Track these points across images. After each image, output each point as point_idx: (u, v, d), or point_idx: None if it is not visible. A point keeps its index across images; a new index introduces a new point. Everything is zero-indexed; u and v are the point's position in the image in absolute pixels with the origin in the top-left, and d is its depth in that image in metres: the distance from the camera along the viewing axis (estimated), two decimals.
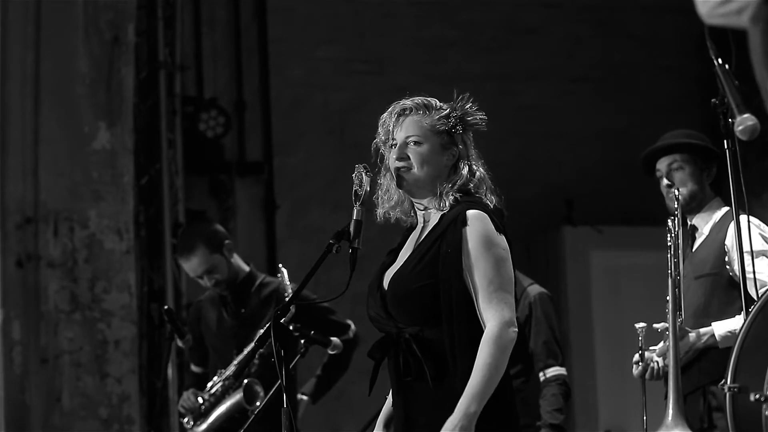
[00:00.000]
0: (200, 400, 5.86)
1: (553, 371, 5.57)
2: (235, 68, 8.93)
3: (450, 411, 3.67)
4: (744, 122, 3.41)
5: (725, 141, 3.98)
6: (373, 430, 4.02)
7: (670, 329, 4.66)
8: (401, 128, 3.88)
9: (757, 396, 3.44)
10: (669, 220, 4.89)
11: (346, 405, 7.98)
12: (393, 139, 3.89)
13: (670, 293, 4.73)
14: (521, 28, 9.43)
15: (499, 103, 8.63)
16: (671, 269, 4.78)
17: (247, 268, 6.01)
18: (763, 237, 4.83)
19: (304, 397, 6.07)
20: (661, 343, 4.79)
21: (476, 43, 9.32)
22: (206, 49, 8.86)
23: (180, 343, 5.79)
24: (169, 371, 7.85)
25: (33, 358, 7.48)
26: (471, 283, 3.72)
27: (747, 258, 4.18)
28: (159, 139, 8.30)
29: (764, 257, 4.74)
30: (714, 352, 4.73)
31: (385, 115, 3.93)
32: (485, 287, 3.71)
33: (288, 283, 5.48)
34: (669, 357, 4.62)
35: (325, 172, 8.78)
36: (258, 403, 5.58)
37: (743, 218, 4.42)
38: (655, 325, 4.80)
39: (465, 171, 3.85)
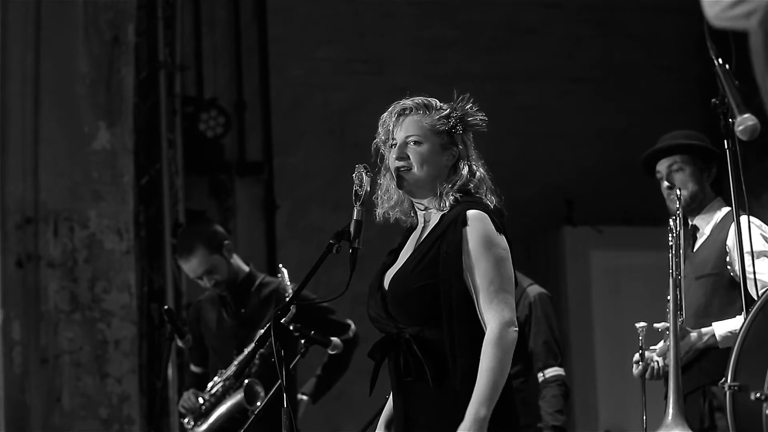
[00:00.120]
0: (201, 400, 5.86)
1: (553, 372, 5.57)
2: (235, 68, 8.93)
3: (450, 411, 3.67)
4: (744, 122, 3.41)
5: (725, 141, 3.98)
6: (374, 430, 4.02)
7: (671, 329, 4.66)
8: (401, 128, 3.88)
9: (758, 395, 3.44)
10: (670, 220, 4.89)
11: (346, 405, 7.98)
12: (393, 139, 3.89)
13: (671, 293, 4.73)
14: (521, 28, 9.43)
15: (499, 103, 8.63)
16: (672, 269, 4.78)
17: (246, 269, 6.01)
18: (764, 237, 4.83)
19: (304, 397, 6.07)
20: (662, 343, 4.79)
21: (476, 43, 9.32)
22: (206, 49, 8.86)
23: (180, 343, 5.79)
24: (169, 371, 7.85)
25: (33, 358, 7.48)
26: (471, 283, 3.72)
27: (747, 258, 4.18)
28: (159, 139, 8.30)
29: (765, 257, 4.74)
30: (714, 352, 4.73)
31: (385, 115, 3.93)
32: (486, 287, 3.71)
33: (288, 283, 5.48)
34: (669, 357, 4.62)
35: (325, 172, 8.78)
36: (258, 403, 5.58)
37: (744, 219, 4.42)
38: (656, 325, 4.80)
39: (465, 171, 3.85)
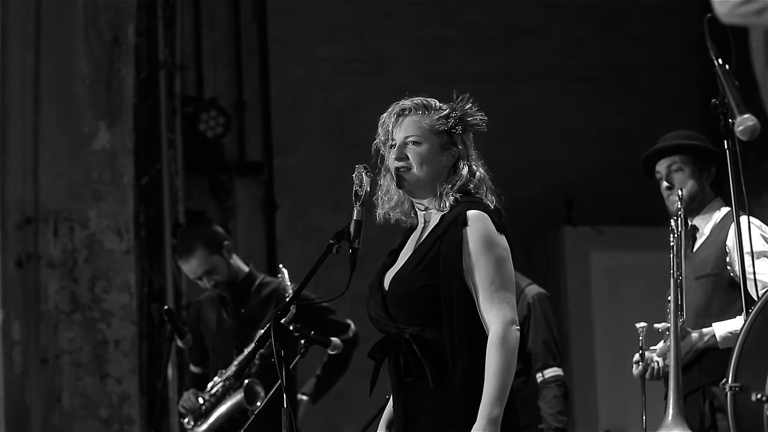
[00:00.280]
0: (201, 400, 5.86)
1: (552, 372, 5.57)
2: (235, 68, 8.93)
3: (450, 411, 3.68)
4: (744, 122, 3.41)
5: (725, 141, 3.97)
6: (375, 430, 4.02)
7: (672, 329, 4.66)
8: (400, 128, 3.88)
9: (759, 396, 3.44)
10: (672, 221, 4.89)
11: (347, 405, 7.98)
12: (392, 139, 3.89)
13: (671, 294, 4.72)
14: (521, 28, 9.43)
15: (499, 103, 8.63)
16: (673, 270, 4.78)
17: (246, 269, 6.01)
18: (764, 237, 4.82)
19: (304, 397, 6.07)
20: (662, 343, 4.79)
21: (476, 43, 9.32)
22: (206, 49, 8.86)
23: (180, 344, 5.79)
24: (169, 371, 7.85)
25: (33, 358, 7.48)
26: (472, 283, 3.72)
27: (747, 259, 4.18)
28: (159, 139, 8.30)
29: (765, 258, 4.74)
30: (714, 353, 4.73)
31: (384, 115, 3.93)
32: (487, 287, 3.71)
33: (288, 283, 5.48)
34: (670, 357, 4.62)
35: (325, 172, 8.78)
36: (258, 404, 5.58)
37: (744, 219, 4.42)
38: (656, 325, 4.80)
39: (465, 171, 3.85)
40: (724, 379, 3.66)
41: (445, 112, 3.88)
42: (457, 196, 3.82)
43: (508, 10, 9.40)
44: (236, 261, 5.98)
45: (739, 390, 3.61)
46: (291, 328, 5.21)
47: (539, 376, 5.57)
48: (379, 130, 3.93)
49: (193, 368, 6.18)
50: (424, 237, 3.85)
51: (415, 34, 9.24)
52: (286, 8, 9.05)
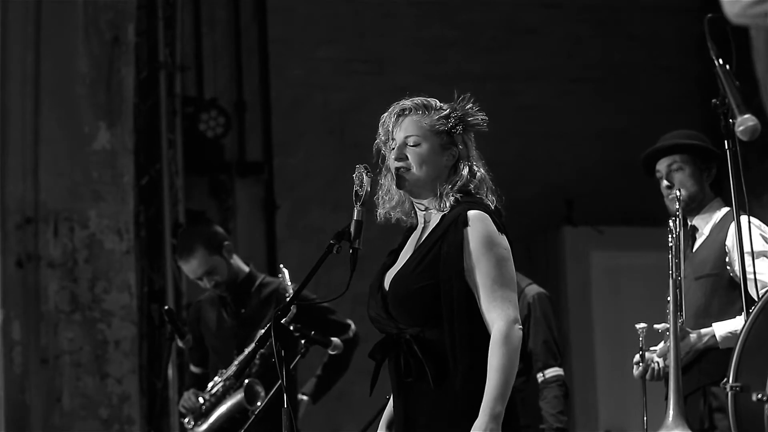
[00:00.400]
0: (201, 400, 5.86)
1: (552, 372, 5.57)
2: (235, 68, 8.93)
3: (450, 412, 3.68)
4: (745, 123, 3.41)
5: (726, 141, 3.97)
6: (375, 430, 4.02)
7: (671, 330, 4.66)
8: (400, 128, 3.88)
9: (760, 396, 3.44)
10: (670, 221, 4.89)
11: (347, 405, 7.98)
12: (392, 139, 3.89)
13: (671, 294, 4.72)
14: (521, 28, 9.43)
15: (499, 103, 8.62)
16: (672, 270, 4.78)
17: (246, 269, 6.01)
18: (764, 237, 4.82)
19: (305, 398, 6.06)
20: (662, 344, 4.78)
21: (476, 43, 9.32)
22: (206, 49, 8.86)
23: (180, 344, 5.79)
24: (170, 371, 7.84)
25: (33, 358, 7.48)
26: (473, 283, 3.72)
27: (747, 258, 4.18)
28: (159, 140, 8.30)
29: (765, 258, 4.74)
30: (714, 353, 4.73)
31: (385, 115, 3.93)
32: (488, 287, 3.70)
33: (289, 283, 5.47)
34: (669, 358, 4.61)
35: (325, 172, 8.78)
36: (258, 403, 5.58)
37: (744, 219, 4.42)
38: (656, 326, 4.80)
39: (465, 172, 3.85)
40: (725, 379, 3.66)
41: (445, 112, 3.87)
42: (458, 196, 3.82)
43: (508, 10, 9.40)
44: (236, 261, 5.98)
45: (740, 390, 3.61)
46: (291, 328, 5.21)
47: (540, 376, 5.57)
48: (380, 130, 3.93)
49: (193, 368, 6.18)
50: (424, 237, 3.85)
51: (415, 34, 9.25)
52: (286, 8, 9.06)
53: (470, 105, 3.89)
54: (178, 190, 8.36)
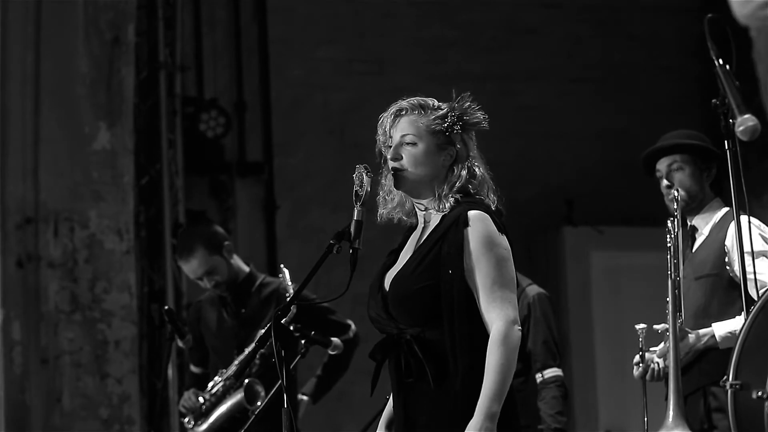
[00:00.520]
0: (201, 399, 5.87)
1: (551, 372, 5.57)
2: (235, 68, 8.93)
3: (450, 412, 3.68)
4: (745, 123, 3.42)
5: (726, 141, 3.97)
6: (375, 430, 4.02)
7: (671, 330, 4.66)
8: (397, 128, 3.88)
9: (760, 393, 3.44)
10: (669, 221, 4.89)
11: (347, 405, 7.98)
12: (390, 139, 3.89)
13: (670, 294, 4.72)
14: (521, 28, 9.43)
15: (499, 103, 8.62)
16: (671, 270, 4.78)
17: (247, 269, 6.01)
18: (764, 237, 4.82)
19: (305, 398, 6.06)
20: (662, 344, 4.78)
21: (476, 43, 9.32)
22: (206, 49, 8.86)
23: (180, 344, 5.79)
24: (170, 371, 7.85)
25: (33, 358, 7.48)
26: (473, 283, 3.72)
27: (747, 258, 4.18)
28: (159, 140, 8.30)
29: (764, 258, 4.74)
30: (714, 353, 4.73)
31: (383, 115, 3.93)
32: (488, 287, 3.70)
33: (289, 283, 5.48)
34: (669, 358, 4.61)
35: (326, 172, 8.78)
36: (258, 403, 5.59)
37: (743, 219, 4.42)
38: (656, 326, 4.80)
39: (463, 172, 3.83)
40: (725, 377, 3.66)
41: (442, 112, 3.87)
42: (457, 197, 3.82)
43: (508, 10, 9.40)
44: (237, 261, 5.98)
45: (740, 388, 3.61)
46: (291, 328, 5.21)
47: (539, 377, 5.57)
48: (379, 130, 3.93)
49: (193, 368, 6.18)
50: (424, 237, 3.84)
51: (415, 34, 9.25)
52: (286, 8, 9.06)
53: (469, 104, 3.88)
54: (178, 190, 8.36)
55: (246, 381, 5.66)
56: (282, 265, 5.64)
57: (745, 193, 3.96)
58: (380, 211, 3.92)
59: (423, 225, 3.89)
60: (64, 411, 7.49)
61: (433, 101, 3.90)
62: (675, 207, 4.91)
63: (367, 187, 3.79)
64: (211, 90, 8.77)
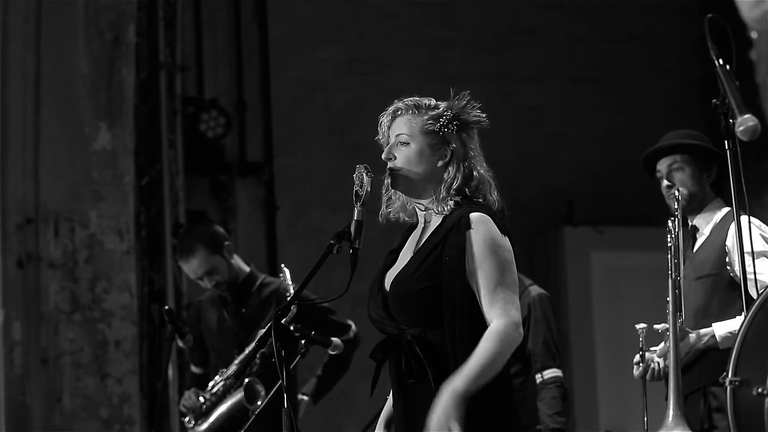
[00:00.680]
0: (201, 399, 5.87)
1: (551, 373, 5.57)
2: (235, 69, 8.94)
3: None
4: (745, 123, 3.42)
5: (726, 142, 3.97)
6: (374, 430, 4.02)
7: (671, 330, 4.66)
8: (393, 128, 3.88)
9: (760, 390, 3.44)
10: (669, 221, 4.89)
11: (347, 405, 7.98)
12: (387, 138, 3.90)
13: (670, 294, 4.72)
14: (521, 28, 9.43)
15: (499, 104, 8.63)
16: (671, 270, 4.78)
17: (247, 269, 6.01)
18: (764, 238, 4.82)
19: (305, 398, 6.06)
20: (662, 344, 4.78)
21: (476, 43, 9.33)
22: (207, 49, 8.87)
23: (181, 344, 5.79)
24: (170, 371, 7.85)
25: (33, 358, 7.49)
26: (475, 285, 3.71)
27: (747, 259, 4.18)
28: (159, 140, 8.30)
29: (765, 258, 4.74)
30: (714, 353, 4.73)
31: (382, 114, 3.94)
32: (491, 289, 3.69)
33: (290, 282, 5.48)
34: (669, 358, 4.62)
35: (326, 172, 8.79)
36: (259, 402, 5.59)
37: (744, 219, 4.42)
38: (656, 326, 4.80)
39: (459, 173, 3.81)
40: (724, 373, 3.66)
41: (436, 112, 3.86)
42: (457, 199, 3.81)
43: (508, 10, 9.40)
44: (237, 261, 5.98)
45: (739, 384, 3.61)
46: (291, 328, 5.21)
47: (538, 377, 5.58)
48: (379, 129, 3.93)
49: (194, 369, 6.18)
50: (425, 238, 3.84)
51: (415, 34, 9.25)
52: (286, 8, 9.06)
53: (466, 103, 3.87)
54: (179, 191, 8.37)
55: (246, 380, 5.66)
56: (282, 265, 5.64)
57: (745, 193, 3.96)
58: (383, 210, 3.92)
59: (423, 225, 3.89)
60: (64, 411, 7.50)
61: (430, 101, 3.90)
62: (676, 206, 4.91)
63: (367, 187, 3.79)
64: (211, 90, 8.78)
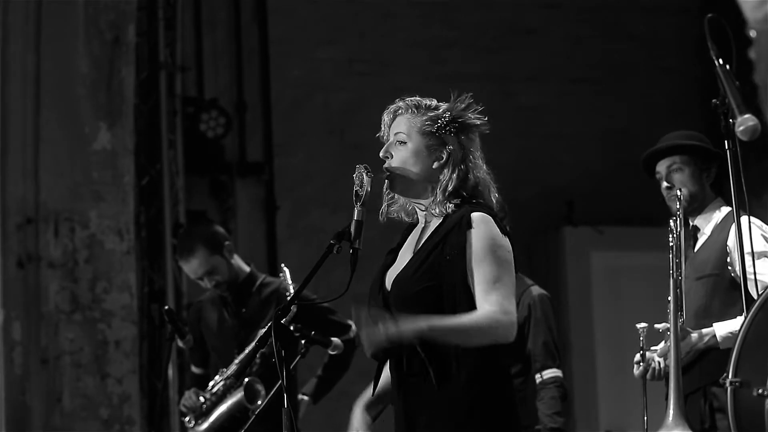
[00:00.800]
0: (201, 399, 5.87)
1: (551, 373, 5.57)
2: (235, 69, 8.94)
3: (452, 412, 3.67)
4: (745, 123, 3.42)
5: (726, 142, 3.97)
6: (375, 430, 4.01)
7: (672, 330, 4.66)
8: (393, 126, 3.89)
9: (760, 391, 3.44)
10: (671, 221, 4.89)
11: (347, 405, 7.96)
12: (388, 136, 3.90)
13: (671, 293, 4.72)
14: (521, 28, 9.43)
15: (499, 104, 8.63)
16: (673, 269, 4.78)
17: (247, 269, 6.01)
18: (765, 238, 4.82)
19: (305, 398, 6.07)
20: (662, 344, 4.78)
21: (476, 43, 9.33)
22: (207, 49, 8.87)
23: (181, 344, 5.79)
24: (170, 371, 7.85)
25: (33, 358, 7.49)
26: (472, 282, 3.71)
27: (748, 259, 4.18)
28: (159, 140, 8.30)
29: (765, 258, 4.74)
30: (715, 353, 4.73)
31: (385, 112, 3.94)
32: (488, 286, 3.67)
33: (290, 282, 5.48)
34: (670, 357, 4.62)
35: (326, 172, 8.79)
36: (259, 402, 5.59)
37: (744, 219, 4.42)
38: (656, 326, 4.80)
39: (455, 174, 3.80)
40: (725, 374, 3.66)
41: (435, 113, 3.85)
42: (456, 201, 3.80)
43: (508, 10, 9.40)
44: (237, 261, 5.98)
45: (740, 385, 3.61)
46: (291, 328, 5.21)
47: (538, 377, 5.57)
48: (381, 128, 3.94)
49: (194, 369, 6.19)
50: (425, 238, 3.83)
51: (415, 34, 9.25)
52: (286, 8, 9.06)
53: (467, 105, 3.87)
54: (179, 191, 8.37)
55: (246, 380, 5.66)
56: (283, 265, 5.64)
57: (745, 193, 3.96)
58: (384, 208, 3.91)
59: (423, 224, 3.89)
60: (64, 411, 7.50)
61: (431, 102, 3.89)
62: (677, 206, 4.91)
63: (367, 187, 3.79)
64: (211, 90, 8.78)
